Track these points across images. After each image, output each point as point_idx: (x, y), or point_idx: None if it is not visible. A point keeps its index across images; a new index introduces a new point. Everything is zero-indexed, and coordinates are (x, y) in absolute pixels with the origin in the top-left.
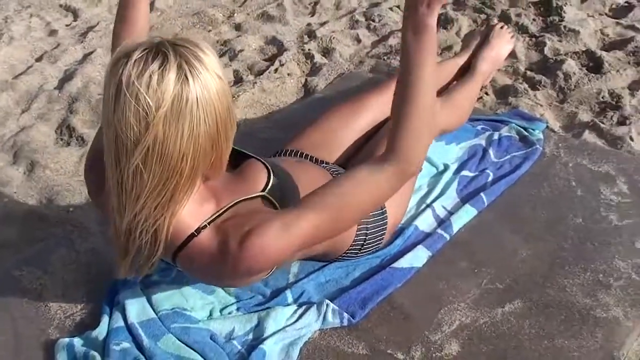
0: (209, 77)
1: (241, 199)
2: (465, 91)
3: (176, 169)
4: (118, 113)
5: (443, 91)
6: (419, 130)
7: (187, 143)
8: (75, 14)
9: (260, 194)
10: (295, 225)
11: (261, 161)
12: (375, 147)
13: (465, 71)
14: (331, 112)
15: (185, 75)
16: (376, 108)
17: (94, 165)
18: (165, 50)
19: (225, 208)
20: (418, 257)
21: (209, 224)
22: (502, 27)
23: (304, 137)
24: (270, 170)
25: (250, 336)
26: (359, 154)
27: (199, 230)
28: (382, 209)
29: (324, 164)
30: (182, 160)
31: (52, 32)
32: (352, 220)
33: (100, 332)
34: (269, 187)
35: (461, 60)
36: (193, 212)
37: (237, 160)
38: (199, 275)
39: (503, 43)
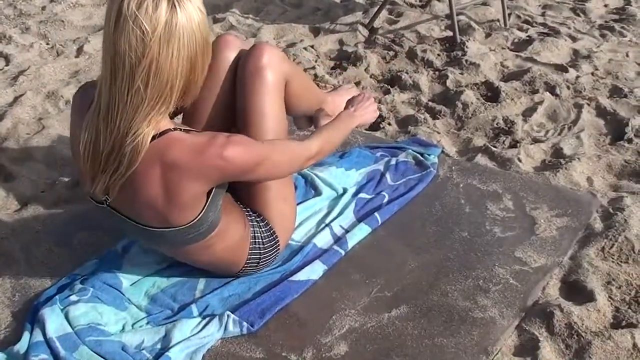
0: (193, 10)
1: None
2: None
3: (168, 85)
4: (118, 35)
5: None
6: (330, 148)
7: (176, 63)
8: (7, 59)
9: None
10: (258, 142)
11: None
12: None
13: None
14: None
15: (174, 6)
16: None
17: (85, 90)
18: None
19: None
20: (314, 271)
21: (182, 130)
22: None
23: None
24: None
25: (158, 346)
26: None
27: (175, 129)
28: (272, 232)
29: None
30: (172, 77)
31: None
32: (277, 169)
33: (22, 346)
34: None
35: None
36: (167, 124)
37: None
38: (161, 168)
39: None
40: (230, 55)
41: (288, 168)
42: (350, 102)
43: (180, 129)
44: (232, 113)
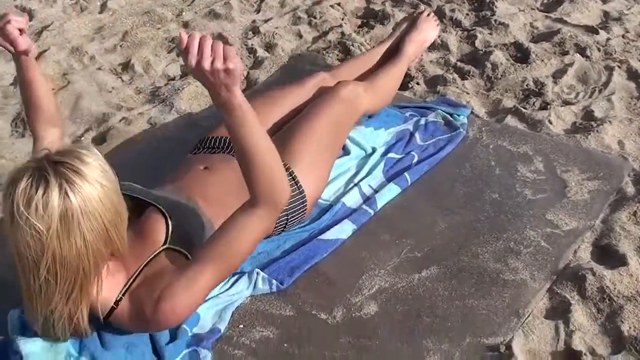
0: (89, 188)
1: (147, 260)
2: (391, 73)
3: (78, 270)
4: (15, 236)
5: (370, 74)
6: (269, 182)
7: (83, 249)
8: (31, 14)
9: (163, 248)
10: (197, 280)
11: (157, 207)
12: (284, 138)
13: (392, 54)
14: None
15: (67, 194)
16: (290, 100)
17: None
18: (47, 174)
19: (135, 275)
20: (343, 230)
21: (123, 295)
22: (428, 14)
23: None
24: (167, 218)
25: None
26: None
27: (117, 302)
28: (301, 192)
29: None
30: (81, 263)
31: None
32: (242, 260)
33: None
34: (169, 237)
35: (385, 46)
36: (108, 286)
37: (134, 202)
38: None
39: (429, 28)
40: (315, 89)
41: (260, 236)
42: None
43: (122, 296)
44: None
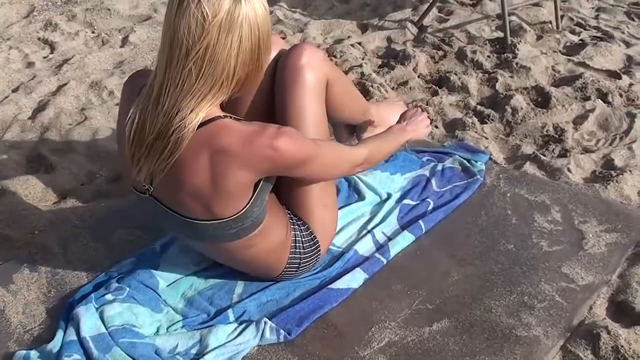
0: (258, 4)
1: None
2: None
3: (222, 73)
4: (179, 18)
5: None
6: (377, 158)
7: (233, 53)
8: (53, 47)
9: None
10: (309, 139)
11: None
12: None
13: None
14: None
15: None
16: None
17: (134, 79)
18: None
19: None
20: (355, 279)
21: (231, 118)
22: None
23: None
24: None
25: (193, 351)
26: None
27: (225, 116)
28: (313, 238)
29: None
30: (226, 67)
31: (30, 64)
32: (332, 170)
33: (55, 345)
34: None
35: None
36: (216, 111)
37: None
38: (206, 153)
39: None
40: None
41: (333, 171)
42: (402, 117)
43: (230, 117)
44: (270, 113)
